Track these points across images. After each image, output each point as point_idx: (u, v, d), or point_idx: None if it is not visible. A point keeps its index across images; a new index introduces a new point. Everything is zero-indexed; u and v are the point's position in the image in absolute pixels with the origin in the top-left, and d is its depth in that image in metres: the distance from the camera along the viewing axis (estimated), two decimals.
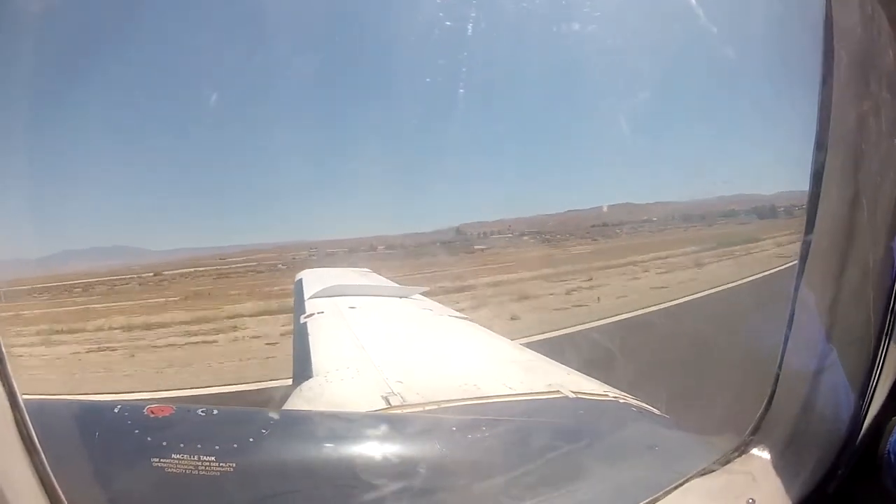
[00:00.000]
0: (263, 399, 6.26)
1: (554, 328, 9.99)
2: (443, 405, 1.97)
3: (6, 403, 0.84)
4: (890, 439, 1.18)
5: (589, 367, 2.65)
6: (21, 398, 0.86)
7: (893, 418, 1.21)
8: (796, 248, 1.31)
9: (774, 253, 15.95)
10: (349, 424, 1.68)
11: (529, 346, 3.52)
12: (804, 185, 1.25)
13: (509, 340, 3.51)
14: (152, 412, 1.47)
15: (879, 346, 1.18)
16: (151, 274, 28.45)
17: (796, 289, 1.29)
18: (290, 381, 2.99)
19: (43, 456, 0.88)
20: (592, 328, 10.08)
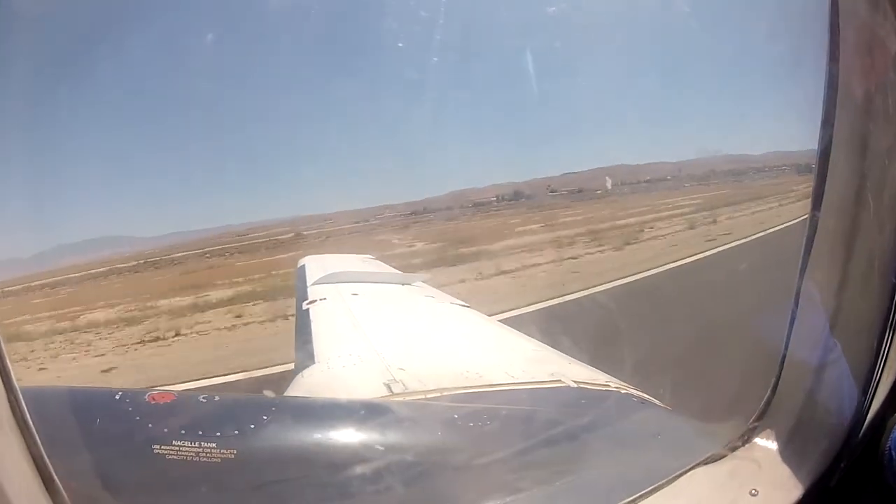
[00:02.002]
0: None
1: None
2: (445, 393, 1.97)
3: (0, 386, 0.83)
4: (892, 436, 1.17)
5: None
6: (16, 381, 0.86)
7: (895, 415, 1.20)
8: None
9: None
10: (351, 411, 1.68)
11: None
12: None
13: (511, 329, 3.51)
14: (153, 399, 1.47)
15: (883, 338, 1.17)
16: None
17: (802, 274, 1.28)
18: None
19: (38, 438, 0.87)
20: None
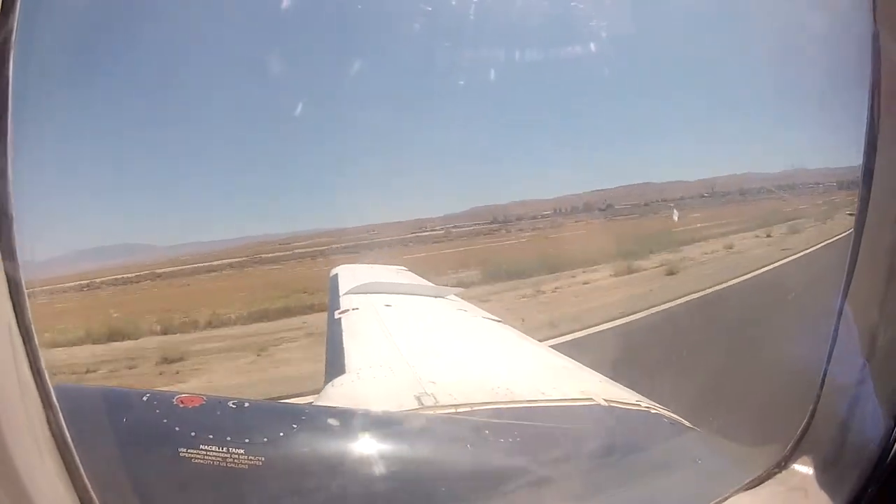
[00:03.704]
0: None
1: None
2: (475, 407, 1.96)
3: (34, 391, 0.85)
4: None
5: None
6: (51, 387, 0.87)
7: None
8: None
9: None
10: (380, 423, 1.69)
11: None
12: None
13: (542, 345, 3.48)
14: (182, 402, 1.47)
15: None
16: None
17: (842, 301, 1.25)
18: None
19: (72, 446, 0.88)
20: None
